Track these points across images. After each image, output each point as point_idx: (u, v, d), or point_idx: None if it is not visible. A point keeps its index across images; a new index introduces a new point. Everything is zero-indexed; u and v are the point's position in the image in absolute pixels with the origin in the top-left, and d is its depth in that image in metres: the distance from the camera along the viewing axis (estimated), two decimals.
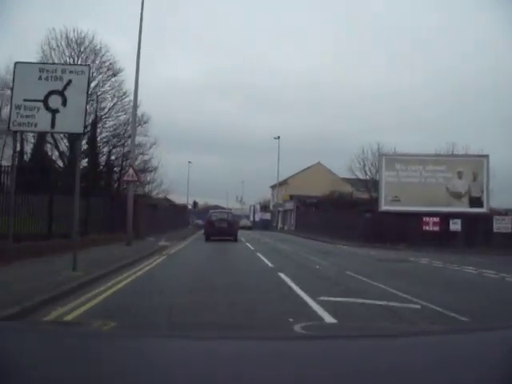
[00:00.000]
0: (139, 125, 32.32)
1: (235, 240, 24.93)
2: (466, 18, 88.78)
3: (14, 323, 3.21)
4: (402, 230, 28.32)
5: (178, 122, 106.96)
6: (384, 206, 30.12)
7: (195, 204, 66.40)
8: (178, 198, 60.07)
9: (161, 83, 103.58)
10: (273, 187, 69.24)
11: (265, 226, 57.40)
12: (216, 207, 53.24)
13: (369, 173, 47.26)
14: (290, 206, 58.41)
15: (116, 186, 30.42)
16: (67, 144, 30.60)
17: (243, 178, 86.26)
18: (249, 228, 54.07)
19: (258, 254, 16.83)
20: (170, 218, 37.67)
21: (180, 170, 73.64)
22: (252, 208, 79.56)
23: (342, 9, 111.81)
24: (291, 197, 57.20)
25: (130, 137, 33.40)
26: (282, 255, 17.71)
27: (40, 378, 1.06)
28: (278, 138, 56.23)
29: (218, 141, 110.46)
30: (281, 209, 61.83)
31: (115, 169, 31.98)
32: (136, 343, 1.43)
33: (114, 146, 31.73)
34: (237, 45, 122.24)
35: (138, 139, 33.08)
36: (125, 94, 31.31)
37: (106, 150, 31.94)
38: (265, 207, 71.43)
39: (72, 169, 32.01)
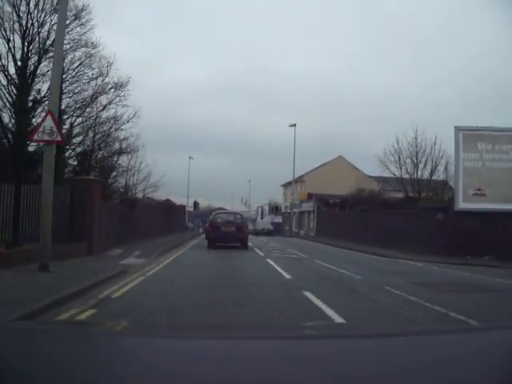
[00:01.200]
0: (113, 88, 23.50)
1: (245, 248, 20.49)
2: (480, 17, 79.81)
3: (15, 323, 3.08)
4: (488, 238, 19.49)
5: (179, 123, 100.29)
6: (462, 203, 20.91)
7: (196, 204, 56.58)
8: (180, 200, 51.32)
9: (160, 84, 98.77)
10: (285, 186, 59.61)
11: (276, 230, 46.22)
12: (220, 209, 43.31)
13: (404, 167, 38.46)
14: (307, 206, 49.01)
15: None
16: (14, 116, 22.01)
17: (249, 180, 76.74)
18: (268, 233, 43.36)
19: (309, 296, 7.65)
20: (159, 220, 28.88)
21: (181, 171, 65.82)
22: (259, 210, 69.82)
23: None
24: (309, 196, 47.68)
25: (104, 108, 24.46)
26: (368, 301, 8.07)
27: (39, 378, 1.04)
28: (294, 125, 46.67)
29: (222, 142, 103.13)
30: (296, 210, 51.93)
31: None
32: (136, 344, 1.39)
33: (78, 116, 23.05)
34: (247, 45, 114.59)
35: (113, 110, 24.36)
36: (93, 45, 22.59)
37: (68, 123, 23.18)
38: (275, 208, 61.28)
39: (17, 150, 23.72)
